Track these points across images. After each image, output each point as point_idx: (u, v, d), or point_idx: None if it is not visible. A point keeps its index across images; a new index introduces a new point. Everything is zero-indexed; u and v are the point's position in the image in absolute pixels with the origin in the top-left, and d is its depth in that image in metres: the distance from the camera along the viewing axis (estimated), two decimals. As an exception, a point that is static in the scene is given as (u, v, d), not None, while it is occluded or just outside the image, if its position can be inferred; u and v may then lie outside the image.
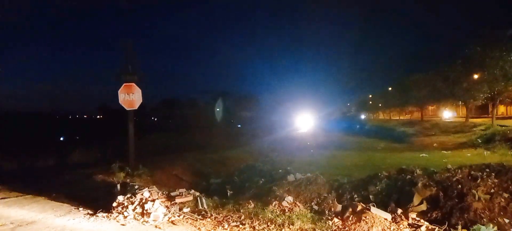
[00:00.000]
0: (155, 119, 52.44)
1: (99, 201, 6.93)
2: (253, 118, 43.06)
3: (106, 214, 6.16)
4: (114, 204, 6.34)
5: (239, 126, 46.89)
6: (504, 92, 27.75)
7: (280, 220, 5.70)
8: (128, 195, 6.68)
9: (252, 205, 6.47)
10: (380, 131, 43.72)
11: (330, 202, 7.11)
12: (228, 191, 10.43)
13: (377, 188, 8.03)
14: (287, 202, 6.67)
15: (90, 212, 6.45)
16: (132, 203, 6.33)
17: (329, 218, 6.00)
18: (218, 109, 47.18)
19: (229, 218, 5.85)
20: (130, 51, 10.76)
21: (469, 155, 17.73)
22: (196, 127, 30.94)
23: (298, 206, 6.53)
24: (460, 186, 6.84)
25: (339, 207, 6.60)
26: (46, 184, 9.41)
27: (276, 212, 6.11)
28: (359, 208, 6.04)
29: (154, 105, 48.50)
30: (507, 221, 5.79)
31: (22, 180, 10.33)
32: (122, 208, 6.23)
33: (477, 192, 6.45)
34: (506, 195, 6.35)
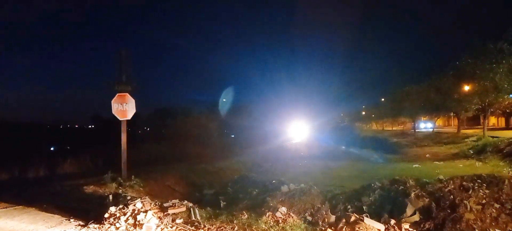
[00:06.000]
0: (148, 129, 52.07)
1: (90, 212, 6.86)
2: (247, 127, 42.96)
3: (98, 225, 6.08)
4: (106, 215, 6.27)
5: (233, 135, 46.78)
6: (494, 104, 28.09)
7: (274, 231, 5.69)
8: (120, 206, 6.62)
9: (246, 216, 6.44)
10: (374, 142, 43.91)
11: (324, 213, 7.11)
12: (221, 202, 10.37)
13: (370, 198, 8.06)
14: (281, 213, 6.65)
15: (82, 223, 6.37)
16: (124, 214, 6.26)
17: (323, 229, 6.00)
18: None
19: (222, 229, 5.81)
20: (125, 60, 10.75)
21: (461, 165, 17.85)
22: (190, 137, 30.74)
23: (292, 217, 6.52)
24: (452, 197, 6.90)
25: (332, 218, 6.60)
26: (36, 194, 9.28)
27: (270, 223, 6.09)
28: (353, 219, 6.05)
29: (147, 115, 48.20)
30: (498, 231, 5.84)
31: (12, 190, 10.17)
32: (114, 219, 6.16)
33: (469, 202, 6.51)
34: (497, 206, 6.41)
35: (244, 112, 47.25)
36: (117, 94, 10.42)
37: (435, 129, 47.30)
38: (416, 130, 48.75)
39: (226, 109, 46.04)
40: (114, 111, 10.41)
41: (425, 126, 53.29)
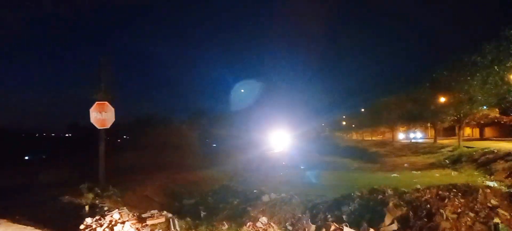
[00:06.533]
0: (128, 137, 51.19)
1: (66, 223, 6.65)
2: (228, 136, 42.85)
3: (73, 237, 5.90)
4: (82, 227, 6.09)
5: (214, 145, 46.52)
6: (469, 115, 29.00)
7: (254, 242, 5.65)
8: (97, 217, 6.44)
9: (226, 226, 6.39)
10: (353, 151, 44.47)
11: (304, 223, 7.14)
12: (201, 212, 10.26)
13: (350, 208, 8.14)
14: (262, 223, 6.63)
15: (56, 235, 6.17)
16: (101, 226, 6.10)
17: (303, 238, 6.00)
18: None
19: (202, 240, 5.74)
20: (104, 69, 10.59)
21: (437, 175, 18.27)
22: (170, 146, 30.39)
23: (273, 227, 6.51)
24: (429, 206, 7.04)
25: (313, 228, 6.63)
26: (9, 205, 8.93)
27: (250, 233, 6.06)
28: (332, 228, 6.08)
29: (128, 123, 47.42)
30: (473, 240, 5.97)
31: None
32: (90, 230, 5.99)
33: (445, 211, 6.65)
34: (472, 214, 6.58)
35: (225, 122, 47.19)
36: (96, 102, 10.22)
37: (425, 140, 46.37)
38: (410, 140, 48.54)
39: (202, 123, 45.92)
40: (92, 120, 10.18)
41: (415, 136, 53.01)
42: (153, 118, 45.15)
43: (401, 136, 59.48)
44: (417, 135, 51.43)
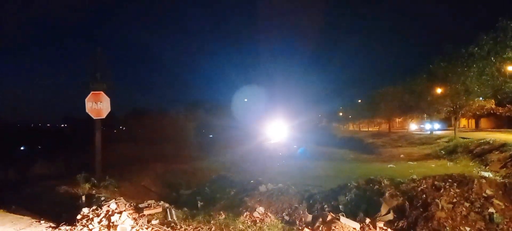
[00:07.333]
0: (124, 128, 51.07)
1: (62, 213, 6.63)
2: (226, 127, 42.86)
3: (70, 227, 5.88)
4: (79, 217, 6.07)
5: (211, 135, 46.54)
6: (465, 106, 29.10)
7: (251, 231, 5.67)
8: (94, 207, 6.43)
9: (223, 216, 6.39)
10: (350, 142, 44.61)
11: (301, 212, 7.16)
12: (198, 202, 10.29)
13: (346, 198, 8.18)
14: (259, 213, 6.64)
15: (53, 225, 6.15)
16: (98, 215, 6.09)
17: (300, 228, 6.02)
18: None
19: (199, 230, 5.74)
20: (100, 59, 10.50)
21: (433, 165, 18.37)
22: (167, 137, 30.35)
23: (270, 217, 6.52)
24: (424, 196, 7.08)
25: (309, 217, 6.65)
26: (5, 197, 8.90)
27: (247, 223, 6.06)
28: (329, 218, 6.10)
29: (124, 115, 47.29)
30: (468, 229, 6.02)
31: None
32: (87, 220, 5.97)
33: (440, 201, 6.69)
34: (467, 204, 6.62)
35: (223, 112, 47.15)
36: (92, 92, 10.14)
37: (441, 131, 39.48)
38: (423, 132, 44.10)
39: (198, 114, 45.95)
40: (88, 110, 10.11)
41: (431, 126, 41.66)
42: (149, 109, 45.17)
43: (413, 127, 55.07)
44: (434, 126, 42.30)
